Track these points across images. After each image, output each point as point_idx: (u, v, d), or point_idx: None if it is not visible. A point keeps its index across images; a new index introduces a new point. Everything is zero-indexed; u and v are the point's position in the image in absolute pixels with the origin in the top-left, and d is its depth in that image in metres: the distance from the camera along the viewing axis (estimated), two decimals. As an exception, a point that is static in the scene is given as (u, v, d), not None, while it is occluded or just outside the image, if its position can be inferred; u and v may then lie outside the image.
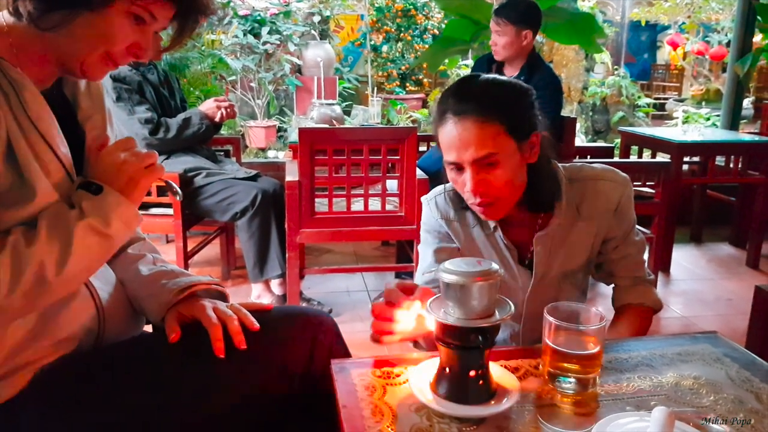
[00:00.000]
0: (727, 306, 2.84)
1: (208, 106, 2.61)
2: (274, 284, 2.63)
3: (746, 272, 3.28)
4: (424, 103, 6.29)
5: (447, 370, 0.80)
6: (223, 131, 4.64)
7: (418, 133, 2.34)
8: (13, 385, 0.87)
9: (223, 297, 1.06)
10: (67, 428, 0.86)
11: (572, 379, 0.83)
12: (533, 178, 1.10)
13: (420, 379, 0.84)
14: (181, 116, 2.55)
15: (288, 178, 2.32)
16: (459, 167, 1.06)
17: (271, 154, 4.62)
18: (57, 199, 0.86)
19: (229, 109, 2.63)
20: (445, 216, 1.21)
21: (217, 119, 2.61)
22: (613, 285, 1.28)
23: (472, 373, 0.79)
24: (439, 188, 1.24)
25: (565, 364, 0.84)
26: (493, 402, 0.79)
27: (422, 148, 3.38)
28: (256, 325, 0.96)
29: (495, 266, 0.78)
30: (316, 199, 2.34)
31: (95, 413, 0.87)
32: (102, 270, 1.00)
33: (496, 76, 1.11)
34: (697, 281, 3.16)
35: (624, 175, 1.20)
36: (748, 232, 3.43)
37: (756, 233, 3.32)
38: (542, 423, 0.77)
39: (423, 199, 1.26)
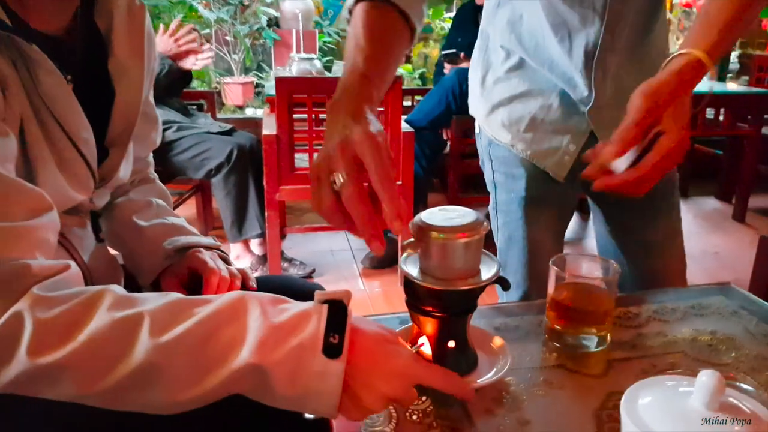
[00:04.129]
0: (714, 259, 2.81)
1: (163, 45, 2.34)
2: (254, 244, 2.53)
3: (732, 226, 3.26)
4: (408, 58, 6.10)
5: (425, 339, 0.68)
6: (198, 86, 4.45)
7: (403, 87, 2.23)
8: None
9: (226, 262, 0.94)
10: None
11: (581, 337, 0.76)
12: None
13: None
14: None
15: (265, 132, 2.20)
16: None
17: (249, 111, 4.44)
18: (66, 191, 0.72)
19: (192, 44, 2.35)
20: None
21: (187, 66, 2.40)
22: None
23: (452, 342, 0.68)
24: None
25: (573, 321, 0.76)
26: (477, 371, 0.69)
27: (407, 103, 3.26)
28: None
29: (480, 218, 0.65)
30: (296, 155, 2.23)
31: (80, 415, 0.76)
32: (88, 242, 0.85)
33: None
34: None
35: None
36: (734, 186, 3.40)
37: (744, 186, 3.29)
38: (550, 386, 0.69)
39: None
